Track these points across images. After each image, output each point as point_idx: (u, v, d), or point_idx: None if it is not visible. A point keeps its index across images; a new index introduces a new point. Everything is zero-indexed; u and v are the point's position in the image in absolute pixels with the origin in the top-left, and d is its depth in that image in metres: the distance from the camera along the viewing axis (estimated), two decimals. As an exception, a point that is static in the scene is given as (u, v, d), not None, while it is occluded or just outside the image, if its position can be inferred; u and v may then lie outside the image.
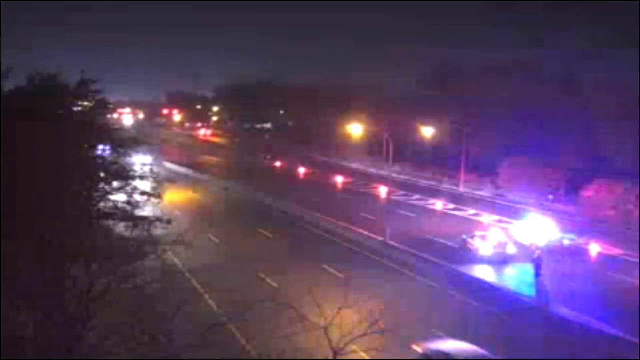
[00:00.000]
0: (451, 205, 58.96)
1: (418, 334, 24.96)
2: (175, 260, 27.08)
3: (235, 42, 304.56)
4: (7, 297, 15.99)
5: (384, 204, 49.43)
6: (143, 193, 20.90)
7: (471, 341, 26.00)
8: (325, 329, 15.46)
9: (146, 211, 20.48)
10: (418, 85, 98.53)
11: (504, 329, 28.06)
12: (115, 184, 20.97)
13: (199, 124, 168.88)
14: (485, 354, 22.80)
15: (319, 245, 44.03)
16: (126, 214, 20.08)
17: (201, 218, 52.13)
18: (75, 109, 22.14)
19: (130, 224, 19.73)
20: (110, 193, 20.85)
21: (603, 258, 41.13)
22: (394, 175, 58.37)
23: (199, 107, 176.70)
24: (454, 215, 55.26)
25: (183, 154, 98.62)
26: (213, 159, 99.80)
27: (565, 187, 62.37)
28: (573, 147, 62.85)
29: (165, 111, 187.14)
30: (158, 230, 19.94)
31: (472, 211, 56.08)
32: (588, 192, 55.13)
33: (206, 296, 28.71)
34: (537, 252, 37.73)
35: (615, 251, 42.20)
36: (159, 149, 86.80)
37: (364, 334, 16.31)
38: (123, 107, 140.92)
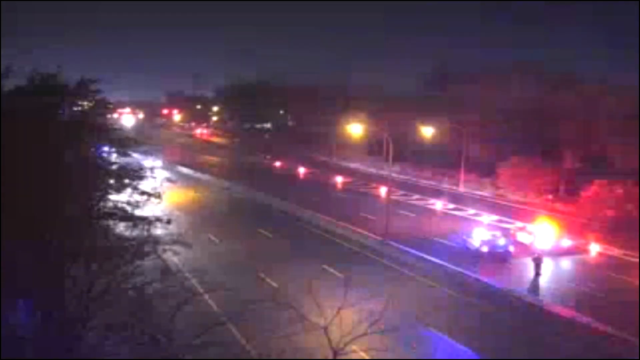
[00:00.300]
0: (451, 205, 58.96)
1: (418, 334, 24.96)
2: (175, 260, 27.10)
3: (235, 42, 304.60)
4: (7, 297, 15.99)
5: (384, 204, 49.41)
6: (143, 193, 20.90)
7: (471, 341, 26.07)
8: (325, 329, 15.45)
9: (146, 211, 20.48)
10: (418, 85, 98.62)
11: (503, 329, 28.08)
12: (115, 184, 20.96)
13: (193, 124, 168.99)
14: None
15: (319, 245, 44.02)
16: (126, 214, 20.07)
17: (201, 218, 52.16)
18: (75, 109, 22.13)
19: (130, 224, 19.73)
20: (110, 193, 20.84)
21: (603, 258, 41.16)
22: (394, 175, 58.35)
23: (199, 107, 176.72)
24: (454, 215, 55.26)
25: (183, 155, 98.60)
26: (213, 159, 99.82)
27: (565, 187, 62.43)
28: (573, 147, 62.93)
29: (165, 111, 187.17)
30: (158, 230, 19.94)
31: (472, 211, 56.08)
32: (588, 192, 55.17)
33: (206, 296, 28.75)
34: (537, 252, 37.81)
35: (616, 251, 42.21)
36: (162, 150, 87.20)
37: (364, 334, 16.31)
38: (123, 107, 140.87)
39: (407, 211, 55.79)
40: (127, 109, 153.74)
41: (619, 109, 59.28)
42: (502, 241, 40.61)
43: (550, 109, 65.27)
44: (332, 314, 16.78)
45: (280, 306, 20.79)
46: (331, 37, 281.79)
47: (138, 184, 20.76)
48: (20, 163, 16.77)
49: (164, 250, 19.59)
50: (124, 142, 21.72)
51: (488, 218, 52.72)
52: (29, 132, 17.55)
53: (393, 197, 53.82)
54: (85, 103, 22.17)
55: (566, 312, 29.45)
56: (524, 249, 41.25)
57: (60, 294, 16.33)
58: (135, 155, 23.25)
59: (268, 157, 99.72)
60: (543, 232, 42.73)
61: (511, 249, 40.27)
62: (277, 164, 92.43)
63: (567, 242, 42.54)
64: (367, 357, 21.29)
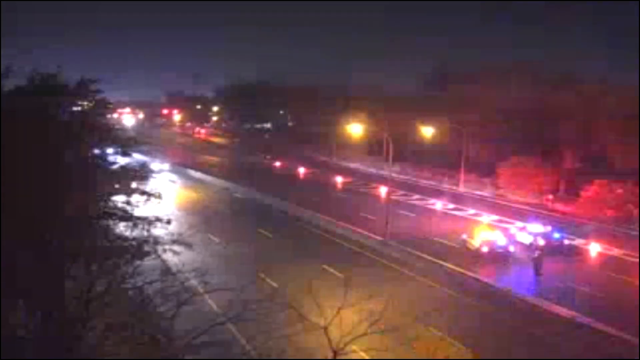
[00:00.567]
0: (451, 205, 58.96)
1: (418, 334, 24.95)
2: (175, 260, 27.09)
3: (235, 42, 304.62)
4: (7, 297, 15.98)
5: (384, 204, 49.41)
6: (143, 193, 20.90)
7: (470, 341, 26.07)
8: (325, 329, 15.46)
9: (151, 211, 20.49)
10: (418, 85, 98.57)
11: (503, 329, 28.08)
12: (116, 184, 20.97)
13: (189, 124, 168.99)
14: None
15: (319, 245, 44.03)
16: (126, 214, 20.07)
17: (201, 218, 52.14)
18: (75, 109, 22.13)
19: (130, 224, 19.73)
20: (110, 193, 20.84)
21: (603, 258, 41.15)
22: (394, 175, 58.35)
23: (199, 107, 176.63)
24: (454, 215, 55.25)
25: (183, 155, 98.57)
26: (213, 159, 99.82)
27: (565, 187, 62.42)
28: (573, 147, 62.89)
29: (165, 111, 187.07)
30: (158, 230, 19.94)
31: (472, 211, 56.07)
32: (588, 193, 55.17)
33: (206, 296, 28.72)
34: (537, 252, 37.81)
35: (616, 251, 42.21)
36: (164, 151, 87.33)
37: (364, 334, 16.30)
38: (123, 107, 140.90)
39: (407, 211, 55.78)
40: (127, 109, 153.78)
41: (619, 109, 59.24)
42: (502, 241, 40.60)
43: (550, 109, 65.20)
44: (332, 314, 16.77)
45: (280, 306, 20.78)
46: (331, 37, 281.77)
47: (140, 184, 20.78)
48: (20, 163, 16.76)
49: (164, 250, 19.59)
50: (125, 142, 21.73)
51: (488, 218, 52.71)
52: (29, 132, 17.55)
53: (393, 197, 53.82)
54: (85, 103, 22.17)
55: (566, 312, 29.44)
56: (524, 248, 41.25)
57: (60, 294, 16.32)
58: (141, 157, 23.34)
59: (268, 157, 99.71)
60: (543, 232, 42.75)
61: (511, 248, 40.27)
62: (277, 164, 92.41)
63: (566, 242, 42.53)
64: (367, 357, 21.28)
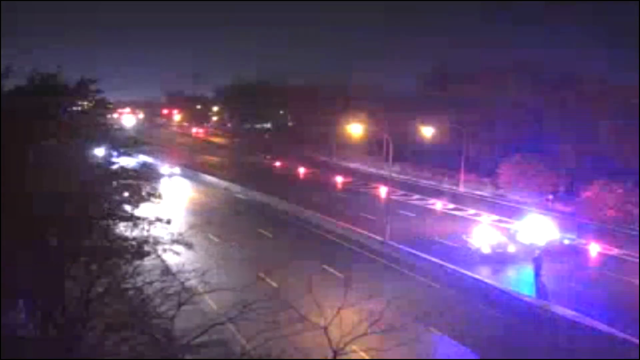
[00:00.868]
0: (451, 205, 58.96)
1: (418, 334, 24.95)
2: (175, 259, 27.10)
3: (235, 42, 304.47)
4: (7, 297, 15.98)
5: (384, 204, 49.40)
6: (143, 192, 20.90)
7: (470, 341, 26.08)
8: (325, 329, 15.45)
9: (146, 211, 20.48)
10: (418, 85, 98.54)
11: (503, 329, 28.09)
12: (115, 184, 20.97)
13: (186, 124, 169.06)
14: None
15: (319, 245, 44.03)
16: (126, 214, 20.08)
17: (201, 218, 52.11)
18: (75, 109, 22.14)
19: (130, 224, 19.73)
20: (110, 193, 20.84)
21: (603, 258, 41.16)
22: (393, 175, 58.35)
23: (199, 107, 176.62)
24: (454, 216, 55.25)
25: (183, 155, 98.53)
26: (214, 159, 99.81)
27: (565, 187, 62.41)
28: (573, 148, 62.86)
29: (165, 111, 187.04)
30: (158, 230, 19.93)
31: (472, 211, 56.07)
32: (588, 193, 55.15)
33: (206, 296, 28.74)
34: (537, 251, 37.82)
35: (616, 251, 42.22)
36: (168, 152, 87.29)
37: (364, 334, 16.30)
38: (123, 107, 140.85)
39: (407, 211, 55.78)
40: (127, 109, 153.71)
41: (619, 109, 59.23)
42: (502, 241, 40.60)
43: (550, 109, 65.19)
44: (332, 314, 16.77)
45: (280, 306, 20.78)
46: (331, 37, 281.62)
47: (148, 185, 20.79)
48: (20, 163, 16.77)
49: (164, 250, 19.59)
50: (125, 142, 21.75)
51: (488, 218, 52.71)
52: (29, 132, 17.55)
53: (393, 197, 53.83)
54: (85, 103, 22.19)
55: (566, 312, 29.43)
56: (524, 249, 41.21)
57: (60, 294, 16.33)
58: (149, 159, 23.36)
59: (268, 157, 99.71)
60: (543, 232, 42.74)
61: (511, 249, 40.25)
62: (277, 164, 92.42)
63: (566, 242, 42.53)
64: (367, 357, 21.29)
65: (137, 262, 18.28)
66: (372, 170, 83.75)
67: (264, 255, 40.33)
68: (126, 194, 20.49)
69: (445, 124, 71.37)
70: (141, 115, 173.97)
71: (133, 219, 19.83)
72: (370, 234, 45.37)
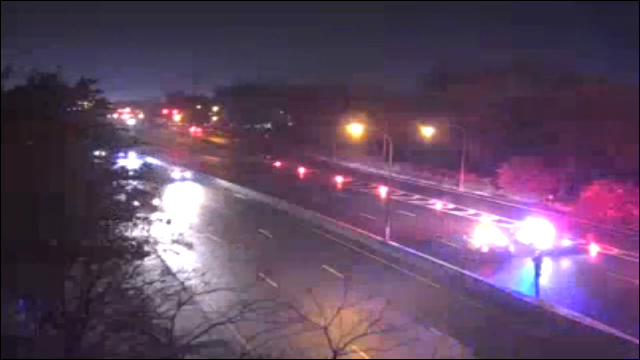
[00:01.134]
0: (451, 205, 58.94)
1: (418, 334, 24.94)
2: (175, 259, 27.11)
3: (235, 42, 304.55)
4: (7, 297, 15.98)
5: (384, 204, 49.40)
6: (143, 193, 20.91)
7: (470, 341, 26.07)
8: (325, 329, 15.44)
9: (146, 211, 20.48)
10: (418, 85, 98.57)
11: (503, 329, 28.08)
12: (115, 184, 20.98)
13: (184, 123, 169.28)
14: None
15: (319, 245, 44.02)
16: (126, 214, 20.09)
17: (201, 218, 52.16)
18: (75, 109, 22.15)
19: (130, 224, 19.74)
20: (110, 193, 20.85)
21: (603, 258, 41.16)
22: (393, 175, 58.33)
23: (199, 107, 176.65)
24: (454, 216, 55.24)
25: (183, 155, 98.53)
26: (214, 159, 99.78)
27: (565, 187, 62.37)
28: (573, 148, 62.85)
29: (165, 111, 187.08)
30: (158, 231, 19.93)
31: (472, 211, 56.07)
32: (588, 193, 55.14)
33: (206, 296, 28.75)
34: (537, 252, 37.79)
35: (615, 251, 42.22)
36: (169, 152, 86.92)
37: (364, 334, 16.29)
38: (123, 107, 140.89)
39: (407, 211, 55.78)
40: (127, 109, 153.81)
41: (619, 109, 59.21)
42: (502, 241, 40.60)
43: (550, 109, 65.16)
44: (332, 314, 16.76)
45: (280, 306, 20.76)
46: (331, 37, 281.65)
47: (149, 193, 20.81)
48: (20, 163, 16.76)
49: (164, 250, 19.59)
50: (125, 142, 21.76)
51: (488, 218, 52.69)
52: (29, 132, 17.56)
53: (393, 197, 53.82)
54: (85, 103, 22.20)
55: (566, 312, 29.43)
56: (524, 248, 41.18)
57: (60, 294, 16.32)
58: (157, 162, 23.37)
59: (268, 157, 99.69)
60: (543, 232, 42.72)
61: (511, 249, 40.26)
62: (277, 164, 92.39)
63: (566, 242, 42.53)
64: (367, 357, 21.28)
65: (137, 262, 18.29)
66: (372, 170, 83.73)
67: (264, 255, 40.29)
68: (136, 203, 20.50)
69: (445, 124, 71.34)
70: (141, 115, 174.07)
71: (133, 219, 19.84)
72: (370, 234, 45.36)
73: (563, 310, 29.65)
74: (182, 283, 18.26)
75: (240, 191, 67.91)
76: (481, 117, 69.90)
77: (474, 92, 73.73)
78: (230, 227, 49.76)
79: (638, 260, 38.31)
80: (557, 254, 40.32)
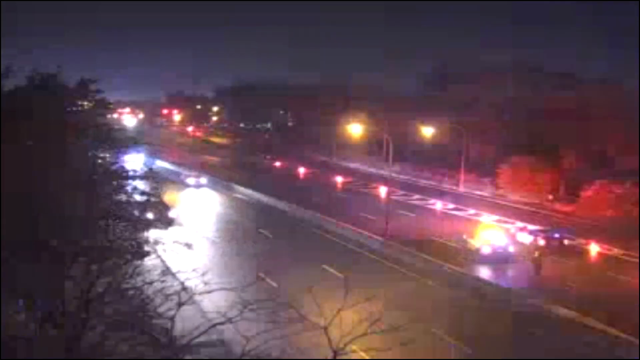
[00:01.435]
0: (451, 205, 58.94)
1: (418, 334, 24.94)
2: (175, 259, 27.10)
3: (235, 42, 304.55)
4: (7, 297, 15.98)
5: (384, 204, 49.41)
6: (143, 193, 20.92)
7: (470, 341, 26.06)
8: (325, 329, 15.43)
9: (146, 211, 20.48)
10: (418, 85, 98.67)
11: (502, 329, 28.08)
12: (115, 184, 20.98)
13: (187, 124, 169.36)
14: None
15: (319, 245, 44.02)
16: (126, 214, 20.10)
17: (201, 218, 52.14)
18: (75, 109, 22.16)
19: (130, 224, 19.74)
20: (110, 193, 20.85)
21: (603, 258, 41.15)
22: (393, 175, 58.36)
23: (199, 107, 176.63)
24: (454, 215, 55.24)
25: (183, 155, 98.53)
26: (214, 159, 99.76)
27: (565, 187, 62.41)
28: (573, 147, 62.88)
29: (165, 111, 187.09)
30: (158, 230, 19.93)
31: (472, 211, 56.06)
32: (588, 192, 55.16)
33: (206, 296, 28.73)
34: (537, 252, 37.83)
35: (615, 251, 42.21)
36: (166, 152, 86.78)
37: (364, 334, 16.28)
38: (123, 107, 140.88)
39: (407, 211, 55.77)
40: (127, 109, 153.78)
41: (619, 109, 59.22)
42: (502, 241, 40.57)
43: (550, 109, 65.20)
44: (332, 314, 16.75)
45: (280, 306, 20.75)
46: (331, 37, 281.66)
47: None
48: (20, 163, 16.77)
49: (164, 250, 19.59)
50: (125, 142, 21.77)
51: (488, 218, 52.69)
52: (29, 132, 17.56)
53: (393, 197, 53.84)
54: (85, 103, 22.21)
55: (566, 312, 29.43)
56: (524, 248, 41.24)
57: (60, 294, 16.32)
58: (168, 165, 23.35)
59: (268, 157, 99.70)
60: (542, 232, 42.74)
61: (511, 249, 40.24)
62: (277, 164, 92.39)
63: (566, 242, 42.51)
64: (367, 357, 21.28)
65: (137, 262, 18.29)
66: (372, 170, 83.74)
67: (264, 255, 40.30)
68: (125, 194, 20.49)
69: (445, 124, 71.38)
70: (141, 116, 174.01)
71: (133, 219, 19.85)
72: (370, 234, 45.36)
73: (562, 310, 29.65)
74: (182, 283, 18.24)
75: (239, 190, 67.86)
76: (481, 117, 69.91)
77: (474, 92, 73.77)
78: (230, 227, 49.76)
79: (638, 260, 38.30)
80: (557, 253, 40.25)
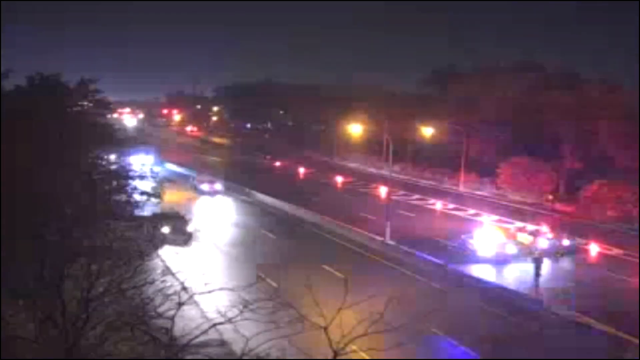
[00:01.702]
0: (451, 205, 58.94)
1: (418, 334, 24.97)
2: (176, 259, 27.08)
3: (235, 42, 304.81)
4: (7, 297, 15.98)
5: (384, 204, 49.40)
6: (143, 193, 20.94)
7: (470, 341, 26.07)
8: (325, 329, 15.44)
9: (146, 211, 20.50)
10: (418, 85, 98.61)
11: (502, 329, 28.09)
12: (115, 183, 21.00)
13: (180, 123, 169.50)
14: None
15: (319, 245, 44.01)
16: (126, 214, 20.11)
17: (201, 218, 52.09)
18: (75, 109, 22.18)
19: (130, 224, 19.76)
20: (111, 193, 20.87)
21: (603, 258, 41.15)
22: (394, 175, 58.33)
23: (199, 107, 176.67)
24: (454, 215, 55.24)
25: (183, 156, 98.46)
26: (214, 159, 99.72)
27: (565, 187, 62.41)
28: (573, 147, 62.88)
29: (165, 111, 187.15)
30: (158, 230, 19.92)
31: (472, 211, 56.06)
32: (588, 192, 55.14)
33: (207, 296, 28.72)
34: (537, 252, 37.81)
35: (615, 251, 42.20)
36: (166, 152, 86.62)
37: (364, 334, 16.28)
38: (123, 107, 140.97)
39: (407, 211, 55.76)
40: (127, 109, 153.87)
41: (619, 109, 59.22)
42: (502, 241, 40.58)
43: (551, 109, 65.20)
44: (332, 314, 16.75)
45: (280, 306, 20.75)
46: (331, 37, 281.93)
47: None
48: (20, 163, 16.77)
49: (164, 250, 19.58)
50: (125, 142, 21.78)
51: (488, 218, 52.69)
52: (29, 132, 17.57)
53: (393, 197, 53.81)
54: (85, 103, 22.23)
55: (566, 312, 29.44)
56: (524, 249, 41.19)
57: (60, 294, 16.32)
58: (180, 169, 23.30)
59: (268, 157, 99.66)
60: (542, 232, 42.72)
61: (511, 248, 40.22)
62: (277, 163, 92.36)
63: (566, 242, 42.50)
64: (367, 357, 21.26)
65: (138, 262, 18.27)
66: (372, 170, 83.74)
67: (264, 255, 40.30)
68: (125, 194, 20.49)
69: (445, 124, 71.36)
70: (141, 116, 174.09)
71: (133, 219, 19.87)
72: (371, 234, 45.36)
73: (563, 310, 29.66)
74: (182, 283, 18.25)
75: (239, 190, 67.78)
76: (481, 117, 69.89)
77: (474, 92, 73.71)
78: (229, 227, 49.76)
79: (638, 260, 38.31)
80: (557, 253, 40.26)
